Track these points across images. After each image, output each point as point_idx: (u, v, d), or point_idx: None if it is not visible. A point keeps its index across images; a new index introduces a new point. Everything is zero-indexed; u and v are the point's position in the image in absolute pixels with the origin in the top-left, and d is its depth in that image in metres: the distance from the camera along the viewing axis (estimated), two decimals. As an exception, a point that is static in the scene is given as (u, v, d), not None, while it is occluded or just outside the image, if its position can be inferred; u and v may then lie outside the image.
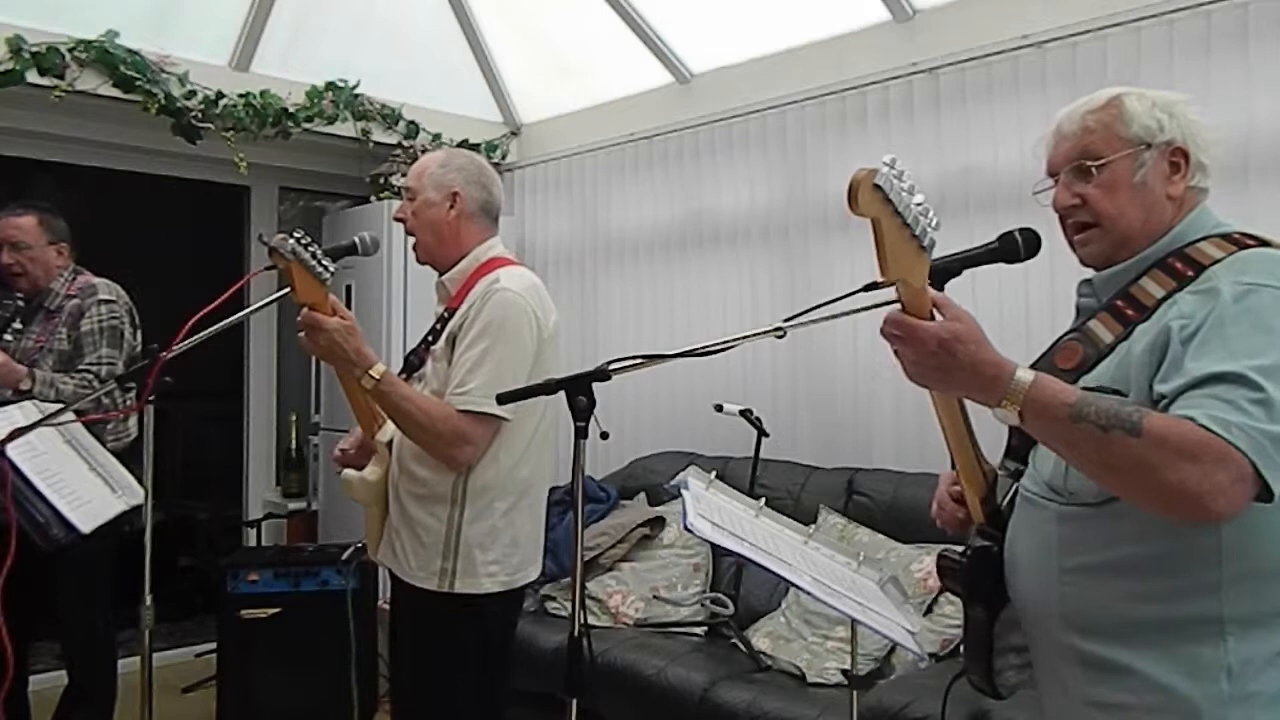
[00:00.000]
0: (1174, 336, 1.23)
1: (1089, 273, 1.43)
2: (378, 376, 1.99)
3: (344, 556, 3.48)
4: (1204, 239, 1.32)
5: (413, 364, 2.23)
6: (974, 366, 1.21)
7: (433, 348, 2.17)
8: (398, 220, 2.26)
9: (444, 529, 2.09)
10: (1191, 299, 1.26)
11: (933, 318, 1.22)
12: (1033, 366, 1.42)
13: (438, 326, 2.20)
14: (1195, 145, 1.36)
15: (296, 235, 1.90)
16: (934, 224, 1.18)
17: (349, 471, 2.21)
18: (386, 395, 2.02)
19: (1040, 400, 1.20)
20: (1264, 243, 1.31)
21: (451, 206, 2.20)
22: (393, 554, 2.17)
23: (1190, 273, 1.29)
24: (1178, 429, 1.14)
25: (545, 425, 2.22)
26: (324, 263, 1.92)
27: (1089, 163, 1.37)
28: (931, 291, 1.22)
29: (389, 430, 2.17)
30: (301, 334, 1.99)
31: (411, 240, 2.25)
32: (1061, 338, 1.42)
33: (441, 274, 2.25)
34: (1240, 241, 1.31)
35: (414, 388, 2.15)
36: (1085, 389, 1.31)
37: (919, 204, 1.16)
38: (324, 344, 1.98)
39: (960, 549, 1.50)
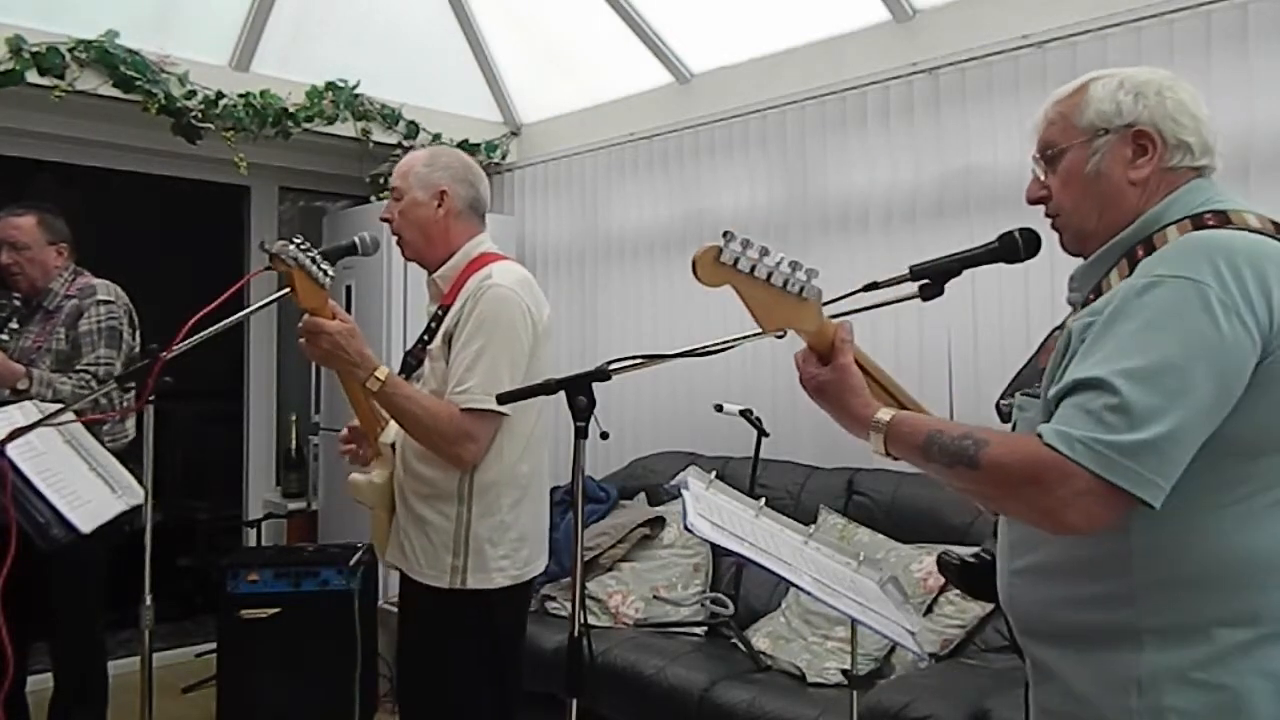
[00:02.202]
0: (1075, 336, 1.21)
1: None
2: (382, 379, 2.00)
3: (352, 561, 3.48)
4: (1175, 223, 1.24)
5: (410, 364, 2.23)
6: (838, 413, 1.38)
7: (429, 347, 2.17)
8: (384, 220, 2.25)
9: (453, 526, 2.10)
10: (1111, 291, 1.22)
11: (833, 349, 1.35)
12: (1024, 367, 1.44)
13: (432, 325, 2.19)
14: (1172, 124, 1.27)
15: (297, 240, 1.90)
16: (807, 273, 1.29)
17: (355, 475, 2.22)
18: (391, 397, 2.02)
19: (896, 441, 1.30)
20: (1227, 220, 1.22)
21: (440, 205, 2.19)
22: (402, 554, 2.17)
23: None
24: (1015, 454, 1.16)
25: (544, 420, 2.23)
26: (324, 267, 1.92)
27: (1043, 155, 1.35)
28: (839, 333, 1.36)
29: (392, 432, 2.17)
30: (302, 340, 1.99)
31: (397, 239, 2.25)
32: (1049, 335, 1.42)
33: (432, 272, 2.24)
34: (1203, 223, 1.22)
35: (415, 388, 2.16)
36: (1025, 393, 1.33)
37: (778, 261, 1.28)
38: (326, 348, 1.98)
39: (960, 550, 1.51)
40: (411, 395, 2.05)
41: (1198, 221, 1.23)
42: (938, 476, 1.28)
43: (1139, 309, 1.15)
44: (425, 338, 2.21)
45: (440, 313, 2.18)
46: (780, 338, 1.59)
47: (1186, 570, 1.18)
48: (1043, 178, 1.36)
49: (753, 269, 1.25)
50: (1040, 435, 1.14)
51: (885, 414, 1.30)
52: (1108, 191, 1.30)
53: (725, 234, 1.24)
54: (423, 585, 2.13)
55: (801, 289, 1.27)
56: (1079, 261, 1.42)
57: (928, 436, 1.25)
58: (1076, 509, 1.11)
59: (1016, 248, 1.44)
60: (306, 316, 1.97)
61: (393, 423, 2.16)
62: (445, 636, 2.14)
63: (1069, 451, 1.10)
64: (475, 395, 2.02)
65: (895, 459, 1.32)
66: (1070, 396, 1.15)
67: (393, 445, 2.19)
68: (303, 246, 1.89)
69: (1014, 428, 1.34)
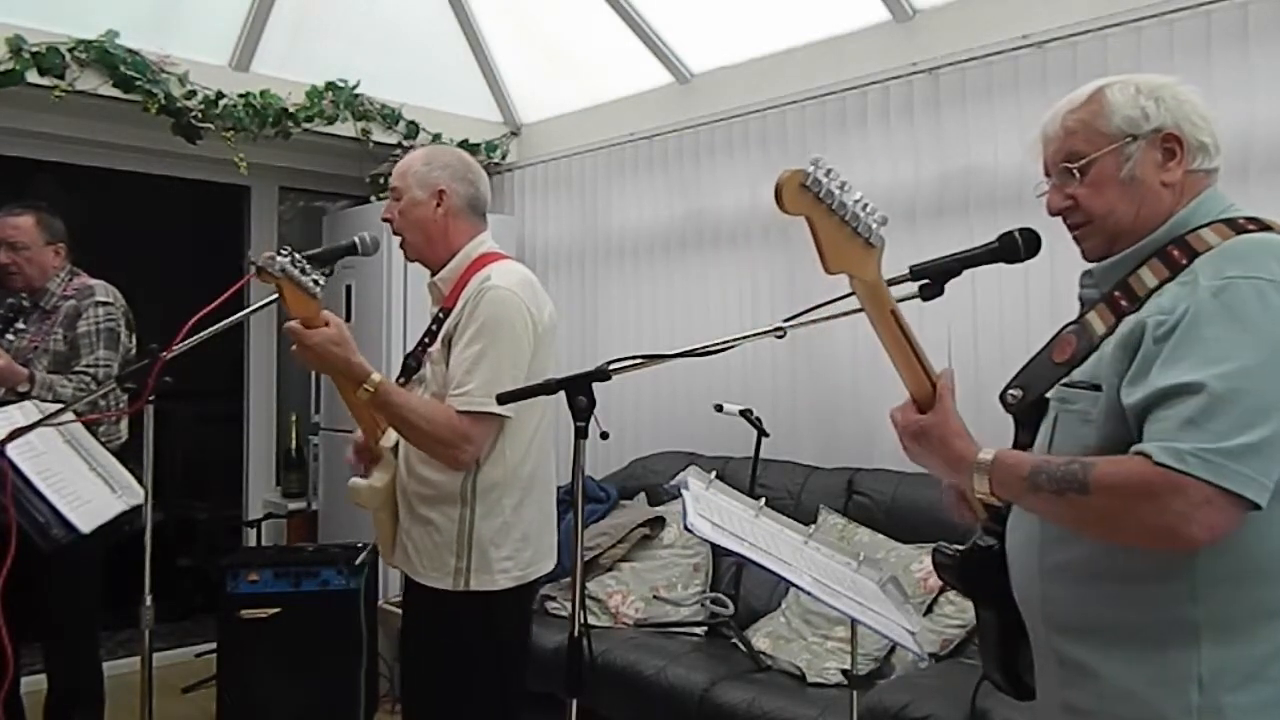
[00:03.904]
0: (1148, 333, 1.21)
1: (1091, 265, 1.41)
2: (372, 388, 1.98)
3: (357, 561, 3.48)
4: (1207, 225, 1.27)
5: (411, 367, 2.22)
6: (938, 458, 1.35)
7: (429, 350, 2.17)
8: (384, 221, 2.24)
9: (455, 528, 2.09)
10: (1173, 291, 1.23)
11: (899, 322, 1.31)
12: (1032, 360, 1.42)
13: (433, 328, 2.19)
14: (1190, 126, 1.31)
15: (284, 251, 1.89)
16: (879, 219, 1.23)
17: (356, 479, 2.21)
18: (384, 405, 2.02)
19: (1000, 478, 1.28)
20: (1266, 227, 1.26)
21: (439, 204, 2.18)
22: (405, 556, 2.17)
23: (1185, 261, 1.25)
24: (1125, 474, 1.15)
25: (547, 420, 2.22)
26: (314, 276, 1.91)
27: (1072, 165, 1.35)
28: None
29: (393, 435, 2.17)
30: (293, 347, 1.99)
31: (399, 239, 2.24)
32: (1062, 329, 1.40)
33: (434, 274, 2.24)
34: (1241, 227, 1.25)
35: (415, 391, 2.15)
36: (1067, 385, 1.32)
37: (857, 200, 1.21)
38: (312, 359, 1.97)
39: (958, 545, 1.49)
40: (404, 402, 2.03)
41: (1235, 225, 1.26)
42: (1045, 510, 1.27)
43: (1220, 310, 1.16)
44: (426, 340, 2.20)
45: (441, 315, 2.18)
46: (780, 337, 1.59)
47: (1248, 564, 1.18)
48: (1068, 188, 1.36)
49: (832, 203, 1.20)
50: (1148, 454, 1.13)
51: (988, 453, 1.29)
52: (1144, 195, 1.32)
53: (814, 160, 1.20)
54: (426, 587, 2.12)
55: (870, 235, 1.23)
56: (1080, 262, 1.42)
57: (1033, 468, 1.24)
58: (1198, 522, 1.11)
59: (1016, 248, 1.44)
60: (289, 325, 1.96)
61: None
62: (449, 638, 2.13)
63: (1181, 466, 1.11)
64: (474, 398, 2.01)
65: (999, 499, 1.31)
66: (1164, 406, 1.15)
67: (395, 448, 2.19)
68: (290, 256, 1.88)
69: (1055, 420, 1.33)
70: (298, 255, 1.91)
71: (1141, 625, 1.23)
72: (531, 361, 2.10)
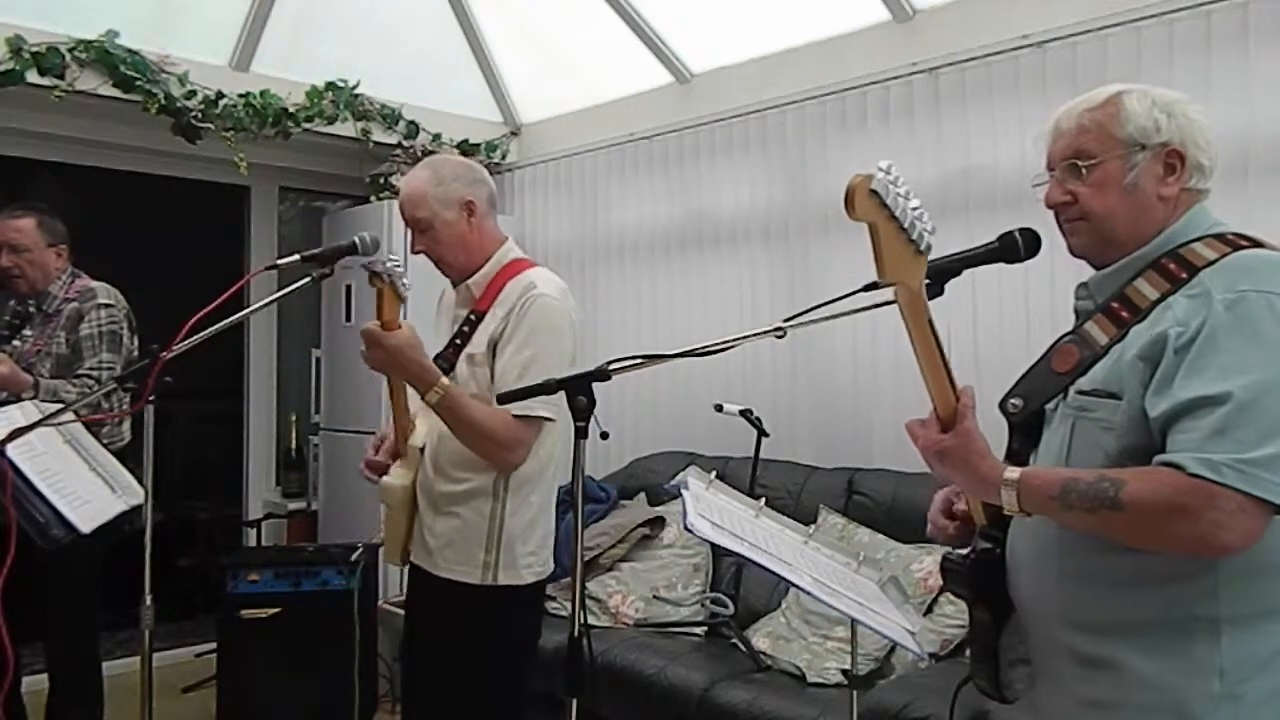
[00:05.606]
0: (1169, 344, 1.24)
1: (1090, 272, 1.43)
2: (443, 392, 2.03)
3: (353, 557, 3.49)
4: (1198, 240, 1.32)
5: (442, 368, 2.23)
6: (963, 476, 1.37)
7: (469, 352, 2.18)
8: (416, 253, 2.25)
9: (486, 523, 2.13)
10: (1185, 304, 1.26)
11: (934, 333, 1.30)
12: (1030, 369, 1.44)
13: (465, 329, 2.21)
14: (1194, 146, 1.35)
15: (393, 259, 1.97)
16: (930, 228, 1.23)
17: (388, 479, 2.23)
18: (450, 408, 2.05)
19: (1029, 496, 1.29)
20: (1257, 244, 1.30)
21: (470, 215, 2.21)
22: (426, 551, 2.19)
23: (1184, 274, 1.29)
24: (1156, 488, 1.18)
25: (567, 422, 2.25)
26: (404, 280, 2.00)
27: (1080, 162, 1.37)
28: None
29: (421, 435, 2.20)
30: (363, 349, 2.03)
31: (424, 261, 2.25)
32: (1059, 340, 1.42)
33: (465, 279, 2.25)
34: (1234, 243, 1.30)
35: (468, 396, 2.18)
36: (1084, 393, 1.33)
37: (915, 208, 1.21)
38: (386, 360, 2.02)
39: (963, 551, 1.50)
40: (468, 404, 2.07)
41: (1228, 240, 1.30)
42: (1077, 524, 1.29)
43: (1235, 323, 1.21)
44: (458, 341, 2.22)
45: (473, 317, 2.20)
46: (780, 337, 1.59)
47: (1264, 561, 1.23)
48: (1069, 184, 1.38)
49: (895, 210, 1.20)
50: (1180, 465, 1.17)
51: (1014, 472, 1.31)
52: (1142, 204, 1.35)
53: (883, 166, 1.20)
54: (447, 581, 2.14)
55: (921, 244, 1.23)
56: (1080, 261, 1.44)
57: (1063, 486, 1.26)
58: (1231, 530, 1.15)
59: (1016, 248, 1.44)
60: (367, 326, 2.01)
61: (421, 427, 2.19)
62: (470, 632, 2.15)
63: (1216, 476, 1.14)
64: (527, 402, 2.03)
65: (1028, 514, 1.32)
66: (1189, 416, 1.19)
67: (421, 449, 2.21)
68: (394, 260, 1.96)
69: (1072, 427, 1.35)
70: (394, 257, 1.98)
71: (1165, 622, 1.26)
72: (572, 366, 2.14)
